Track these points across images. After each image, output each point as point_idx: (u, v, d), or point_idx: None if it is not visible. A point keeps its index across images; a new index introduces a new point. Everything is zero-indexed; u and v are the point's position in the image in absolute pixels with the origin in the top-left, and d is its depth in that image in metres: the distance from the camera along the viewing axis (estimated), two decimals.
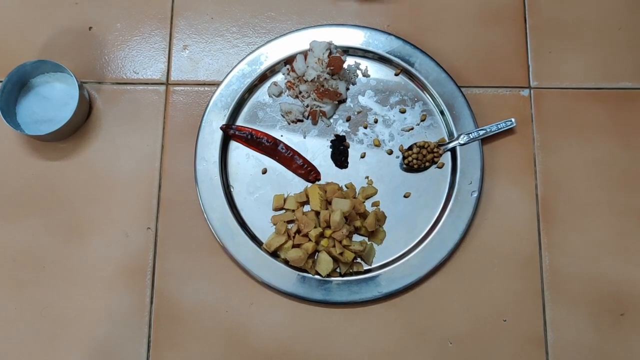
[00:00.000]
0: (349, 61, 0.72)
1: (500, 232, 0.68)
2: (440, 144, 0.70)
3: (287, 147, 0.69)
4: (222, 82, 0.71)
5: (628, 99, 0.72)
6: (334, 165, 0.70)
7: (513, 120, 0.70)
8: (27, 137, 0.70)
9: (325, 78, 0.69)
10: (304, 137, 0.70)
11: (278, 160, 0.69)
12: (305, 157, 0.69)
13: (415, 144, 0.70)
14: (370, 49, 0.72)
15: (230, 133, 0.69)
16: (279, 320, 0.66)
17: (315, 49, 0.69)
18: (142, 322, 0.66)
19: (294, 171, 0.67)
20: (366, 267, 0.67)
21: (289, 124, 0.71)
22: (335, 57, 0.69)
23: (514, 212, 0.69)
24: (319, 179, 0.69)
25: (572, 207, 0.69)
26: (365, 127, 0.71)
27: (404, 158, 0.69)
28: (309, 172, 0.68)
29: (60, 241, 0.68)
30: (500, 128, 0.70)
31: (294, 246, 0.66)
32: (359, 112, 0.71)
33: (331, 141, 0.70)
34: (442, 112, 0.71)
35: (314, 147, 0.70)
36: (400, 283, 0.66)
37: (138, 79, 0.73)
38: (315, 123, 0.71)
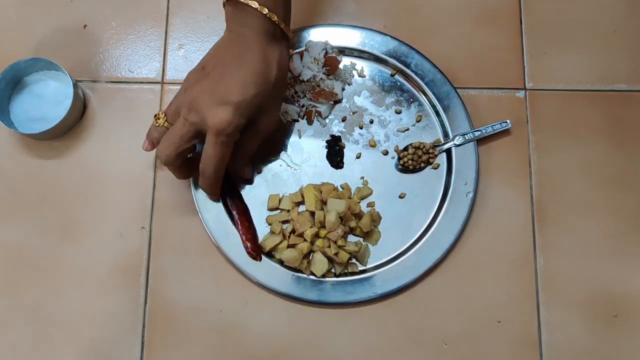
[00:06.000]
0: (345, 61, 0.72)
1: (495, 233, 0.68)
2: (436, 144, 0.70)
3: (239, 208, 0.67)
4: None
5: (623, 101, 0.72)
6: (329, 165, 0.70)
7: (508, 121, 0.70)
8: (21, 135, 0.69)
9: (321, 78, 0.69)
10: (299, 137, 0.70)
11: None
12: (301, 157, 0.69)
13: (410, 144, 0.70)
14: (366, 49, 0.71)
15: None
16: (274, 320, 0.66)
17: (312, 49, 0.69)
18: (135, 322, 0.66)
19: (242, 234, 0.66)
20: (361, 268, 0.67)
21: (285, 123, 0.70)
22: (332, 57, 0.69)
23: (508, 213, 0.69)
24: (257, 259, 0.65)
25: (566, 209, 0.69)
26: (361, 128, 0.71)
27: (399, 159, 0.69)
28: (246, 245, 0.65)
29: (54, 241, 0.67)
30: (496, 129, 0.70)
31: (289, 246, 0.66)
32: (354, 113, 0.71)
33: (327, 141, 0.70)
34: (437, 113, 0.71)
35: (310, 147, 0.70)
36: (395, 284, 0.66)
37: (133, 77, 0.73)
38: (310, 123, 0.70)
